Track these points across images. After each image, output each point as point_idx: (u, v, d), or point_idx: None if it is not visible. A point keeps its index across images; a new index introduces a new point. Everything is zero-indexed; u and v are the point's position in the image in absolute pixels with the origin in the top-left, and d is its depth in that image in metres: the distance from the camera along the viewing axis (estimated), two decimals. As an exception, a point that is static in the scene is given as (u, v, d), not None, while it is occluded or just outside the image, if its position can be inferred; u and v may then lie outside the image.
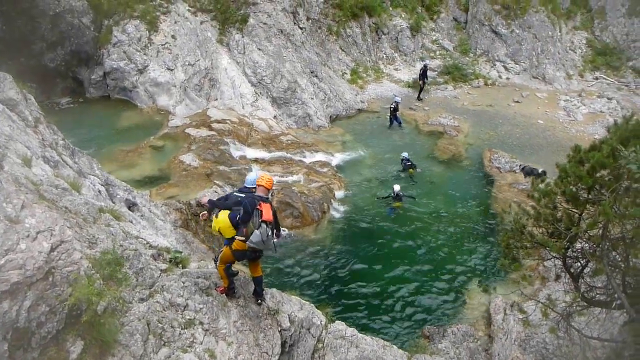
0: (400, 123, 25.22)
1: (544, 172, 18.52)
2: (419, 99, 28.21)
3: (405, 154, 21.13)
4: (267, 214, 7.40)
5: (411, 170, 19.60)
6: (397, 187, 18.34)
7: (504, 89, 30.13)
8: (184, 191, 15.90)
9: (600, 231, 7.41)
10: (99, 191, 10.83)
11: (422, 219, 17.86)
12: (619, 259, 7.87)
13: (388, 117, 25.24)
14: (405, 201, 18.55)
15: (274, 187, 8.93)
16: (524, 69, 31.31)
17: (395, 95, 26.61)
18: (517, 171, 20.82)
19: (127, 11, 22.54)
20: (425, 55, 32.33)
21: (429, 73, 30.28)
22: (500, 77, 31.25)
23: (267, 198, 7.71)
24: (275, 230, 7.70)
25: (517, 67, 31.47)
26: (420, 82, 28.07)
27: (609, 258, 7.70)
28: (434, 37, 33.50)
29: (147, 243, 8.56)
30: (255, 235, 7.31)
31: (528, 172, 20.02)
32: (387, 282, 14.73)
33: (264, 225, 7.34)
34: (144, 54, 22.19)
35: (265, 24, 25.36)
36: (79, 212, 7.38)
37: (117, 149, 18.41)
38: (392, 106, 24.87)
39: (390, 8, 32.85)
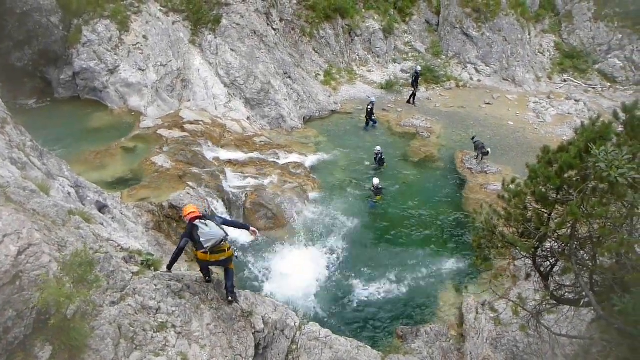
0: (375, 122, 25.45)
1: (487, 153, 21.82)
2: (412, 103, 28.30)
3: (378, 148, 21.52)
4: (190, 212, 7.95)
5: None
6: (376, 181, 18.74)
7: (475, 91, 30.55)
8: (156, 193, 15.70)
9: (569, 231, 7.56)
10: (69, 193, 10.64)
11: (395, 220, 18.01)
12: (587, 258, 8.03)
13: (364, 118, 25.39)
14: (385, 194, 18.98)
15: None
16: (494, 71, 31.80)
17: (370, 96, 26.85)
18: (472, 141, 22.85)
19: (97, 10, 22.12)
20: (397, 57, 32.60)
21: (401, 75, 30.66)
22: (471, 79, 31.68)
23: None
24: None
25: (487, 70, 31.95)
26: (413, 88, 28.11)
27: (577, 257, 7.86)
28: (407, 39, 33.77)
29: (119, 246, 8.45)
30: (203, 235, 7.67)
31: (479, 146, 21.92)
32: (360, 283, 14.81)
33: (197, 221, 7.76)
34: (115, 54, 21.83)
35: (238, 24, 25.23)
36: (48, 215, 7.24)
37: (87, 150, 18.05)
38: (369, 107, 25.06)
39: (363, 10, 33.01)
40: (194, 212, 7.92)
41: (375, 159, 21.40)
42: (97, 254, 7.09)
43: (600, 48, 33.23)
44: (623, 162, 6.22)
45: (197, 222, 7.68)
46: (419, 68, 28.41)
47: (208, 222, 7.71)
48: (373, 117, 25.27)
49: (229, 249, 8.01)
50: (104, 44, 21.74)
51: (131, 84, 21.68)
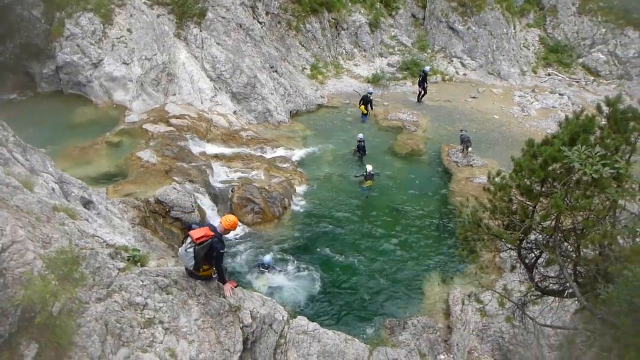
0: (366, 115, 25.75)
1: (469, 143, 21.92)
2: (420, 101, 28.28)
3: (360, 135, 21.89)
4: (195, 233, 7.63)
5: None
6: (369, 167, 19.25)
7: (461, 85, 30.69)
8: (142, 188, 15.58)
9: (553, 223, 7.64)
10: (53, 189, 10.53)
11: (382, 213, 18.09)
12: (571, 250, 8.13)
13: (362, 109, 25.52)
14: (375, 180, 19.52)
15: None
16: (480, 65, 31.96)
17: (368, 88, 27.24)
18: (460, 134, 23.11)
19: (80, 3, 21.80)
20: (384, 51, 32.64)
21: (387, 69, 30.68)
22: (457, 73, 31.81)
23: (216, 231, 7.82)
24: (199, 255, 7.70)
25: (473, 64, 32.09)
26: (420, 88, 27.98)
27: (561, 248, 7.95)
28: (393, 33, 33.80)
29: (104, 242, 8.38)
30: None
31: (465, 140, 22.18)
32: (348, 277, 14.87)
33: (188, 238, 7.65)
34: (99, 48, 21.57)
35: (223, 18, 25.07)
36: (32, 211, 7.17)
37: (71, 145, 17.87)
38: (371, 98, 25.41)
39: (349, 3, 32.91)
40: (202, 236, 7.68)
41: (358, 147, 21.65)
42: (82, 250, 7.03)
43: (584, 42, 33.53)
44: (597, 158, 6.33)
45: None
46: (427, 68, 28.43)
47: (191, 248, 7.61)
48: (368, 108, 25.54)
49: (207, 270, 8.17)
50: (87, 37, 21.46)
51: (115, 78, 21.46)
